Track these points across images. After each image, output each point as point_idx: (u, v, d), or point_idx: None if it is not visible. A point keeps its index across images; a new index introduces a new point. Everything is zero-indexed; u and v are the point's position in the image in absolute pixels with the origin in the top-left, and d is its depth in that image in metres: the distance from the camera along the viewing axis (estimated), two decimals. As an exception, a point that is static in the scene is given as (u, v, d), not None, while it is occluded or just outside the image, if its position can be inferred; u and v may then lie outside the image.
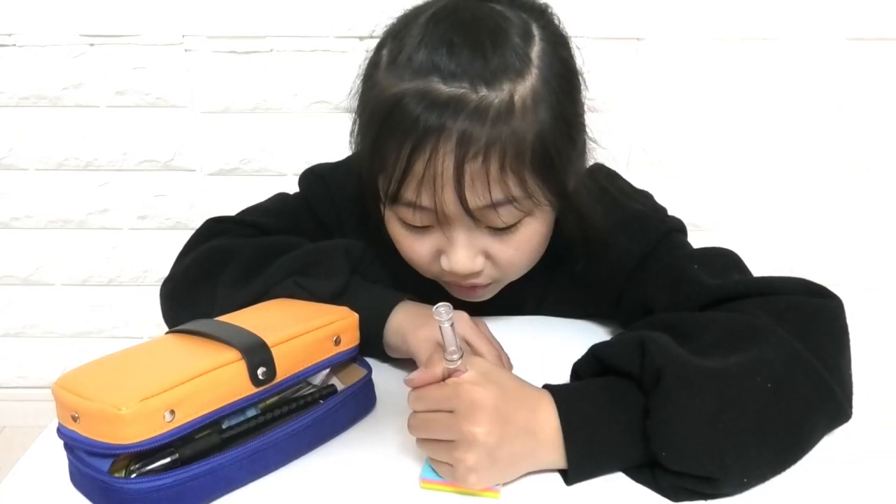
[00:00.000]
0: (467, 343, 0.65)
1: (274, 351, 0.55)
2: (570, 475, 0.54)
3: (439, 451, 0.54)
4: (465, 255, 0.65)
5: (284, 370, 0.56)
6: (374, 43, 0.69)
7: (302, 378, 0.58)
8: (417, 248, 0.68)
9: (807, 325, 0.58)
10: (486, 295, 0.73)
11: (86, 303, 1.58)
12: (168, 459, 0.51)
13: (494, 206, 0.62)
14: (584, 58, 0.69)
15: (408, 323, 0.67)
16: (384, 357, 0.71)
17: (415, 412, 0.55)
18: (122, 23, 1.34)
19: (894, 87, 1.35)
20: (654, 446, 0.53)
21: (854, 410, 0.59)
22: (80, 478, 0.52)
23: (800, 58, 1.33)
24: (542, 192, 0.63)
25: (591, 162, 0.74)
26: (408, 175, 0.61)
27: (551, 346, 0.74)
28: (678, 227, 0.74)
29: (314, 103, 1.38)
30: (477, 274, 0.68)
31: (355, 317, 0.63)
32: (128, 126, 1.41)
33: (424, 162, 0.60)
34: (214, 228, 0.81)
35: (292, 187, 0.92)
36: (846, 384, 0.58)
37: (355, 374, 0.65)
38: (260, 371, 0.54)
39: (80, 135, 1.42)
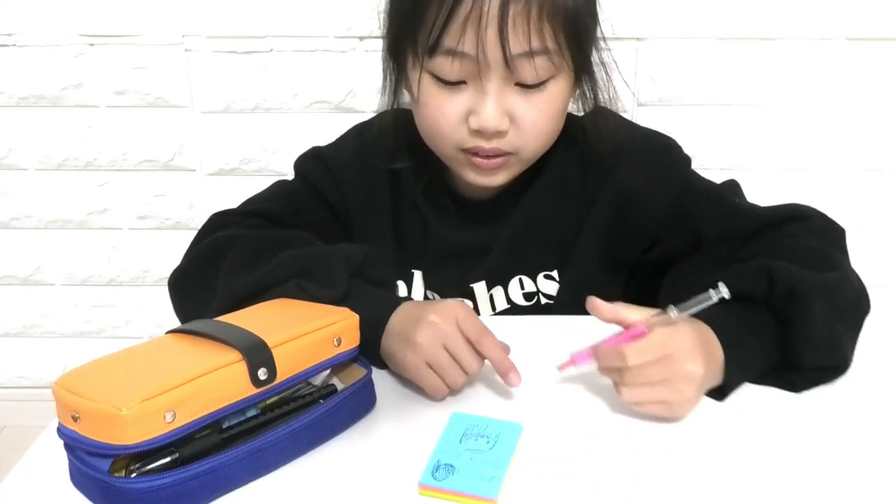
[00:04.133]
0: (476, 342, 0.63)
1: (275, 352, 0.55)
2: (727, 390, 0.65)
3: (654, 392, 0.61)
4: (495, 110, 0.69)
5: (285, 371, 0.56)
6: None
7: (302, 379, 0.58)
8: (447, 109, 0.71)
9: (840, 243, 0.74)
10: (501, 175, 0.76)
11: (86, 303, 1.58)
12: (168, 459, 0.51)
13: (532, 54, 0.67)
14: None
15: (398, 349, 0.66)
16: (383, 364, 0.70)
17: (629, 367, 0.61)
18: (122, 23, 1.34)
19: (894, 87, 1.35)
20: (797, 348, 0.64)
21: (853, 412, 0.61)
22: (81, 477, 0.52)
23: (800, 58, 1.33)
24: (570, 53, 0.69)
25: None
26: (452, 18, 0.66)
27: (549, 349, 0.74)
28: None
29: (314, 103, 1.38)
30: (503, 134, 0.71)
31: (356, 318, 0.63)
32: (128, 126, 1.42)
33: (471, 1, 0.65)
34: (219, 222, 0.82)
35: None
36: None
37: (355, 374, 0.65)
38: (261, 372, 0.54)
39: (80, 135, 1.42)
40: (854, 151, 1.40)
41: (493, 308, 0.84)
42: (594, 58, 0.76)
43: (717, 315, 0.65)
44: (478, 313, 0.78)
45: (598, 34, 0.75)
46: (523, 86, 0.70)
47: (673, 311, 0.64)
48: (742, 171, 1.41)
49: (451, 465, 0.54)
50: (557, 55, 0.68)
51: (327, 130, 1.40)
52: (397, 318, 0.67)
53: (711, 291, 0.63)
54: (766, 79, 1.35)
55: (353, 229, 0.84)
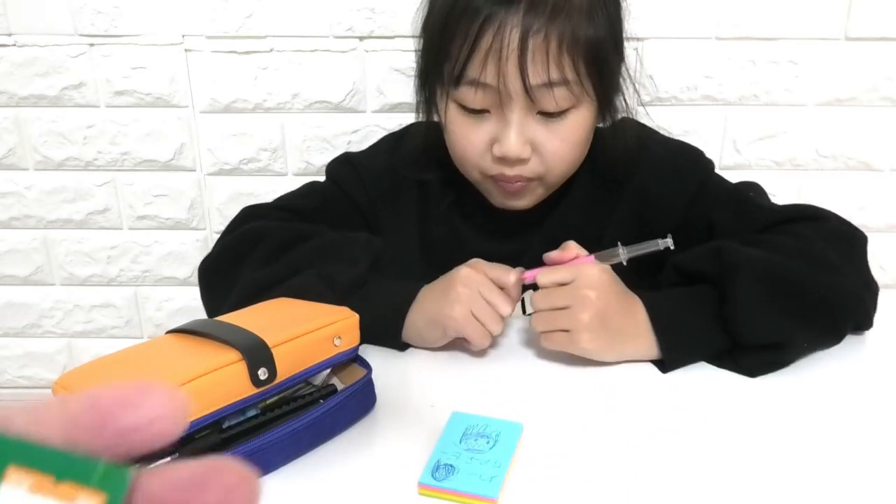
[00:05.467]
0: (505, 286, 0.69)
1: (274, 352, 0.55)
2: (666, 363, 0.67)
3: (556, 319, 0.65)
4: (517, 138, 0.71)
5: (285, 371, 0.56)
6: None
7: (302, 378, 0.58)
8: (472, 137, 0.74)
9: (852, 249, 0.75)
10: (526, 199, 0.78)
11: (86, 303, 1.58)
12: (168, 459, 0.51)
13: (551, 84, 0.69)
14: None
15: (434, 312, 0.70)
16: (402, 346, 0.73)
17: (540, 288, 0.67)
18: (122, 23, 1.34)
19: (894, 87, 1.35)
20: (731, 323, 0.66)
21: (854, 411, 0.60)
22: (81, 478, 0.52)
23: (800, 58, 1.33)
24: (591, 83, 0.72)
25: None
26: (475, 51, 0.69)
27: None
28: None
29: (314, 103, 1.38)
30: (524, 162, 0.73)
31: (356, 317, 0.63)
32: (128, 126, 1.41)
33: (492, 35, 0.68)
34: (250, 214, 0.84)
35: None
36: (875, 295, 0.73)
37: (355, 373, 0.65)
38: (261, 372, 0.54)
39: (80, 135, 1.42)
40: (854, 151, 1.39)
41: (524, 312, 0.86)
42: (621, 86, 0.78)
43: (655, 293, 0.71)
44: None
45: (623, 71, 0.77)
46: (545, 115, 0.72)
47: (621, 249, 0.70)
48: (742, 170, 1.41)
49: (451, 465, 0.54)
50: (577, 85, 0.70)
51: (327, 130, 1.41)
52: (424, 295, 0.72)
53: (659, 240, 0.70)
54: (766, 79, 1.35)
55: (381, 235, 0.87)
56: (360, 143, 1.39)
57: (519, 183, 0.76)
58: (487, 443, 0.57)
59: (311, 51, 1.34)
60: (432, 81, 0.76)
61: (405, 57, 1.28)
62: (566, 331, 0.66)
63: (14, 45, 1.36)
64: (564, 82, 0.69)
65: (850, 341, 0.72)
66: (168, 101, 1.39)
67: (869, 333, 0.75)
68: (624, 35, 0.76)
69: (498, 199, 0.79)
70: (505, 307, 0.68)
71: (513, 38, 0.67)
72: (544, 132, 0.73)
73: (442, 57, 0.72)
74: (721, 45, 1.33)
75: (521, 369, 0.69)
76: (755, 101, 1.37)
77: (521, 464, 0.56)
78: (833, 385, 0.67)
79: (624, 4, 0.76)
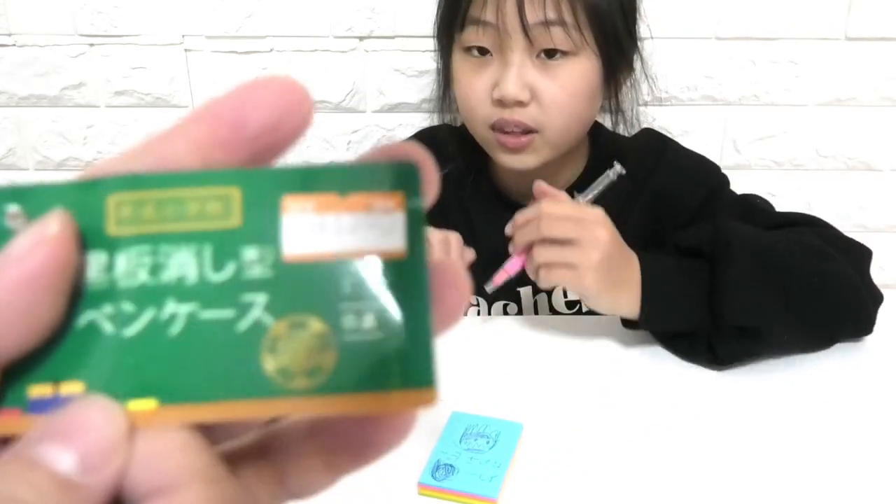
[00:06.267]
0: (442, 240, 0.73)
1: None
2: (641, 320, 0.68)
3: (563, 252, 0.66)
4: (515, 80, 0.74)
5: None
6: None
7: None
8: (475, 83, 0.77)
9: (851, 253, 0.74)
10: (530, 156, 0.79)
11: (86, 303, 1.58)
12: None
13: (548, 23, 0.72)
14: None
15: None
16: None
17: (548, 215, 0.67)
18: (122, 23, 1.34)
19: (894, 87, 1.35)
20: (717, 301, 0.66)
21: (855, 412, 0.59)
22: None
23: (800, 58, 1.33)
24: (590, 33, 0.74)
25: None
26: None
27: (551, 348, 0.74)
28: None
29: (314, 103, 1.38)
30: (523, 105, 0.75)
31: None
32: (128, 126, 1.42)
33: None
34: None
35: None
36: (878, 300, 0.73)
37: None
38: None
39: (80, 135, 1.42)
40: (854, 151, 1.40)
41: (536, 314, 0.86)
42: (633, 61, 0.82)
43: (652, 254, 0.72)
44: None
45: (637, 50, 0.81)
46: (545, 60, 0.74)
47: (578, 197, 0.71)
48: (742, 170, 1.41)
49: (451, 465, 0.54)
50: (575, 30, 0.73)
51: (327, 130, 1.41)
52: None
53: (609, 171, 0.71)
54: (766, 79, 1.35)
55: None
56: (360, 144, 1.39)
57: (522, 139, 0.77)
58: (487, 443, 0.57)
59: (311, 51, 1.34)
60: (446, 37, 0.80)
61: (405, 57, 1.28)
62: (569, 266, 0.66)
63: (14, 45, 1.37)
64: (561, 23, 0.73)
65: (848, 342, 0.72)
66: (168, 101, 1.39)
67: (871, 335, 0.75)
68: (637, 12, 0.81)
69: (503, 158, 0.80)
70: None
71: None
72: (544, 79, 0.75)
73: (454, 9, 0.76)
74: (721, 45, 1.33)
75: (521, 369, 0.69)
76: (755, 101, 1.37)
77: (520, 464, 0.56)
78: (831, 385, 0.67)
79: None
